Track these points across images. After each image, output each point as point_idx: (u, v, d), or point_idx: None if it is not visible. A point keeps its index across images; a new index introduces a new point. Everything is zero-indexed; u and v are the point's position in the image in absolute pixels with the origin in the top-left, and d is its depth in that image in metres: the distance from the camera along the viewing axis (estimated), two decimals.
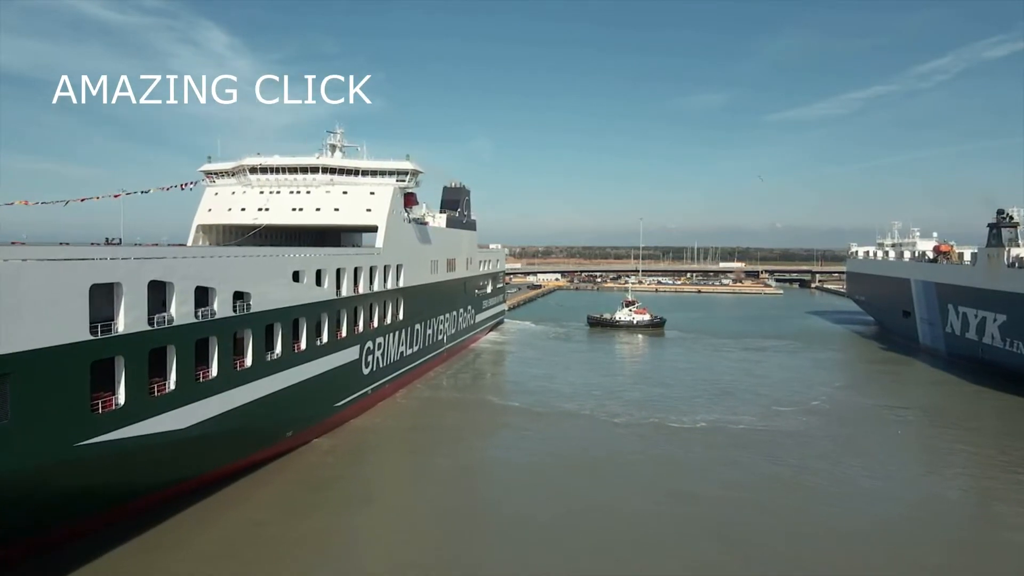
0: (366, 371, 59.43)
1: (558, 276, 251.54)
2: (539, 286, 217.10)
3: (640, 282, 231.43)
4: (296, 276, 48.03)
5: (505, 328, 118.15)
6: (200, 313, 37.05)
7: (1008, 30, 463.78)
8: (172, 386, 34.92)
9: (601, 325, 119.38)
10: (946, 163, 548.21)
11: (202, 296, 37.88)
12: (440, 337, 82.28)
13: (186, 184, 56.55)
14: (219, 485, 39.44)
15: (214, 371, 38.37)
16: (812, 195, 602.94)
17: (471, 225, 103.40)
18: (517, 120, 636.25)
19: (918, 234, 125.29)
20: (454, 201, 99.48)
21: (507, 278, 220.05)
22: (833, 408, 61.34)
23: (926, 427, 56.77)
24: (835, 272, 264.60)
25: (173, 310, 34.90)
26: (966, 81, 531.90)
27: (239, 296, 40.91)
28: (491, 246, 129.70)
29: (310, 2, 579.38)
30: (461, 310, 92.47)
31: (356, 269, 58.10)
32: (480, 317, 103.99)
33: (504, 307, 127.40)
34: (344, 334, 55.16)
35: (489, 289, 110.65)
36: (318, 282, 51.13)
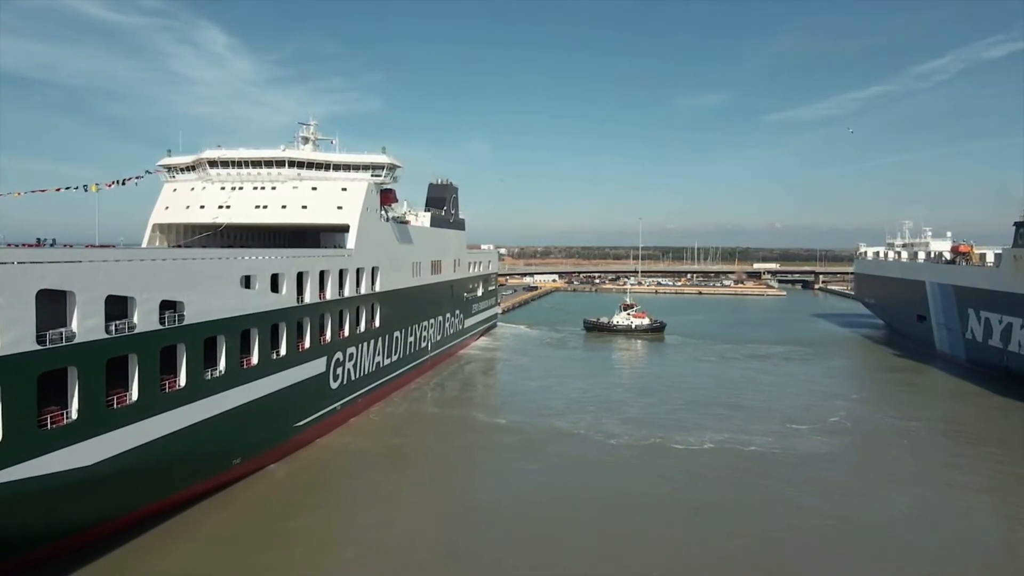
0: (334, 385, 53.55)
1: (555, 277, 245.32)
2: (536, 288, 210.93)
3: (640, 283, 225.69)
4: (246, 281, 42.16)
5: (498, 333, 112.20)
6: (114, 327, 31.12)
7: (1007, 30, 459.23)
8: (74, 416, 28.99)
9: (598, 329, 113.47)
10: (946, 163, 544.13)
11: (119, 307, 32.00)
12: (424, 345, 76.33)
13: (128, 179, 50.25)
14: (138, 529, 33.45)
15: (134, 395, 32.45)
16: (811, 195, 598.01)
17: (459, 224, 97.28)
18: (515, 121, 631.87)
19: (930, 234, 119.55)
20: (440, 199, 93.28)
21: (503, 279, 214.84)
22: (854, 426, 55.37)
23: (958, 448, 50.80)
24: (839, 273, 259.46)
25: (75, 325, 28.97)
26: (965, 81, 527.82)
27: (169, 306, 35.03)
28: (483, 246, 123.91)
29: (309, 3, 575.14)
30: (448, 315, 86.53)
31: (322, 273, 52.17)
32: (470, 322, 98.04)
33: (497, 310, 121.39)
34: (308, 345, 49.29)
35: (480, 292, 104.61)
36: (274, 288, 45.17)
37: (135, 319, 32.41)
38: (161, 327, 34.03)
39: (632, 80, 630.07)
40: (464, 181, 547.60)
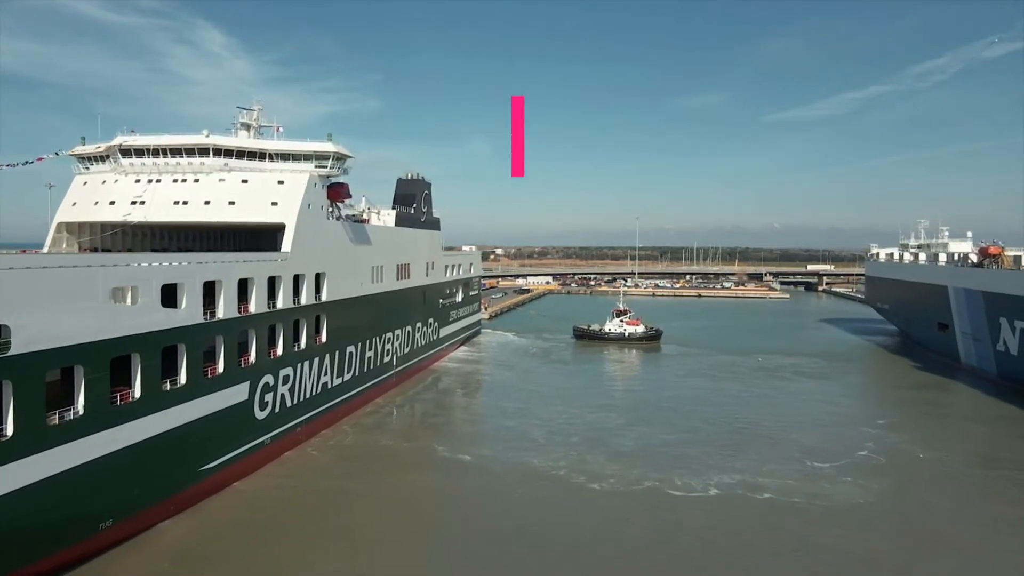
0: (262, 415, 44.54)
1: (549, 279, 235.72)
2: (528, 290, 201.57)
3: (637, 285, 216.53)
4: (123, 295, 33.11)
5: (481, 341, 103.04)
6: None
7: (1006, 30, 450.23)
8: None
9: (588, 338, 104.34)
10: (945, 163, 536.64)
11: None
12: (387, 359, 67.23)
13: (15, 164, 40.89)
14: None
15: None
16: (810, 195, 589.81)
17: (432, 223, 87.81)
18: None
19: (947, 234, 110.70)
20: (409, 196, 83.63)
21: (493, 282, 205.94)
22: (888, 462, 46.30)
23: (1016, 495, 41.75)
24: (843, 274, 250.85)
25: None
26: (964, 81, 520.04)
27: None
28: (465, 247, 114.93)
29: (307, 3, 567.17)
30: (419, 324, 77.43)
31: (244, 281, 43.07)
32: (447, 331, 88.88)
33: (480, 316, 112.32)
34: (221, 369, 40.25)
35: (459, 297, 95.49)
36: (169, 302, 36.10)
37: None
38: None
39: (632, 81, 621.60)
40: (464, 181, 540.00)
